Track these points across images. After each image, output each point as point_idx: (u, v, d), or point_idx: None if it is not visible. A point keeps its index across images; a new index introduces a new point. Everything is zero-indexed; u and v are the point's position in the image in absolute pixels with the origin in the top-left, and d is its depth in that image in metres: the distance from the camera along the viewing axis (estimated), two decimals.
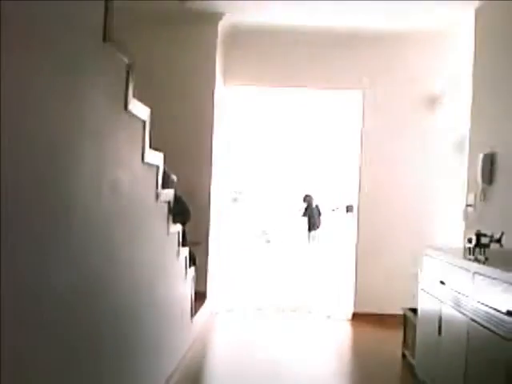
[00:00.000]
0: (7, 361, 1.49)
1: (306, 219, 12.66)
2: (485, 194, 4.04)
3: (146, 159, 2.87)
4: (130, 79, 2.50)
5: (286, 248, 12.20)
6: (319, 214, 12.60)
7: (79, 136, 2.01)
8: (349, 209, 7.26)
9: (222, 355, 4.51)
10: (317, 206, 12.61)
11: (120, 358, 2.56)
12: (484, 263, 2.81)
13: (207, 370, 4.21)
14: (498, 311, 2.46)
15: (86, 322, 2.12)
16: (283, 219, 13.49)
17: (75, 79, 1.94)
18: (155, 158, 3.04)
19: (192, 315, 4.36)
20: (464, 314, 2.85)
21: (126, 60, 2.45)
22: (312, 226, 12.60)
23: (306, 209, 12.70)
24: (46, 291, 1.75)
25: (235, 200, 11.72)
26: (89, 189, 2.12)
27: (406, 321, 4.23)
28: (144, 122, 2.84)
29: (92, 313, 2.19)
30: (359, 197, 5.74)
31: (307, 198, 12.74)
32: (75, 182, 2.00)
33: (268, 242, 11.87)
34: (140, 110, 2.73)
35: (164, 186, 3.30)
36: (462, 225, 4.59)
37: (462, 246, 3.98)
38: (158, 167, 3.12)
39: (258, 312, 5.98)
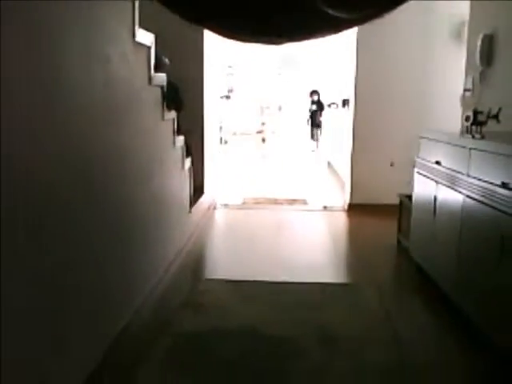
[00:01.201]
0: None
1: (309, 116, 12.17)
2: (483, 77, 3.97)
3: (137, 38, 2.77)
4: None
5: (286, 144, 12.21)
6: (322, 109, 11.89)
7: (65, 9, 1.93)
8: (345, 103, 7.18)
9: (220, 245, 4.60)
10: (320, 101, 11.93)
11: (121, 246, 2.61)
12: (480, 139, 2.80)
13: (206, 257, 4.31)
14: (493, 184, 2.48)
15: (85, 215, 2.14)
16: (282, 115, 13.25)
17: None
18: (146, 37, 2.94)
19: (190, 206, 4.40)
20: (459, 192, 2.87)
21: None
22: (315, 123, 12.06)
23: (314, 103, 12.05)
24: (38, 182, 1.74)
25: (228, 97, 11.51)
26: (77, 63, 2.06)
27: (402, 207, 4.28)
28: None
29: (90, 205, 2.20)
30: (356, 89, 5.63)
31: (314, 94, 12.06)
32: (63, 55, 1.94)
33: (263, 141, 11.77)
34: None
35: (156, 70, 3.22)
36: (459, 112, 4.54)
37: (459, 129, 3.96)
38: (149, 48, 3.02)
39: (256, 205, 6.06)
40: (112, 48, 2.43)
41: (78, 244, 2.08)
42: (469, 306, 2.76)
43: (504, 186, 2.38)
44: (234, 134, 10.73)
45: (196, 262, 4.04)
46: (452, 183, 2.99)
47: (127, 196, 2.69)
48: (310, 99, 12.07)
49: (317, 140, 11.98)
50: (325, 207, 5.94)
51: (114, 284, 2.51)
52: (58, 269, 1.89)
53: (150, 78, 3.09)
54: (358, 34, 5.44)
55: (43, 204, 1.78)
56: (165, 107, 3.44)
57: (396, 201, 4.44)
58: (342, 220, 5.54)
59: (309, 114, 12.12)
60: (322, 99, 11.88)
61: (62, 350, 1.94)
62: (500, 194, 2.41)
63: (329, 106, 10.62)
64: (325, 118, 11.59)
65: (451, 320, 2.92)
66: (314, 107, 11.84)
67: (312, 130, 12.06)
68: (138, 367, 2.35)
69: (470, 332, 2.71)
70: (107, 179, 2.41)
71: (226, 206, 5.94)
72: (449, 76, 5.19)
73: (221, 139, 6.83)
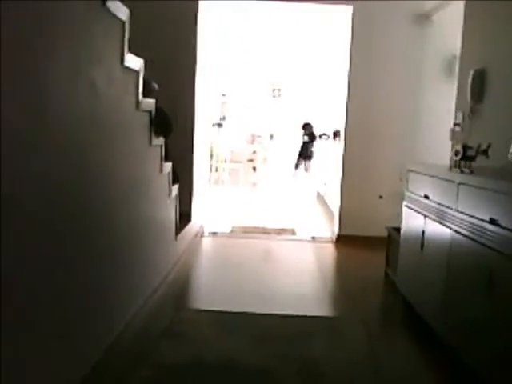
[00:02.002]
0: None
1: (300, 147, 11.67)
2: (473, 112, 3.97)
3: (126, 63, 2.75)
4: None
5: (275, 174, 12.16)
6: (314, 139, 11.49)
7: (53, 32, 1.91)
8: (336, 134, 7.20)
9: (206, 274, 4.51)
10: (312, 133, 11.49)
11: (102, 271, 2.54)
12: (469, 174, 2.78)
13: (190, 286, 4.23)
14: (482, 220, 2.45)
15: (66, 237, 2.08)
16: (272, 143, 13.18)
17: None
18: (135, 62, 2.92)
19: (176, 233, 4.33)
20: (447, 227, 2.84)
21: None
22: (306, 154, 11.58)
23: (306, 134, 11.52)
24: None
25: (220, 125, 11.49)
26: (64, 87, 2.03)
27: (390, 240, 4.24)
28: (123, 23, 2.70)
29: (72, 227, 2.14)
30: (347, 122, 5.64)
31: (306, 127, 11.58)
32: (49, 79, 1.90)
33: (254, 170, 11.72)
34: (119, 8, 2.59)
35: (145, 95, 3.19)
36: (449, 146, 4.54)
37: (447, 163, 3.95)
38: (138, 73, 2.99)
39: (244, 235, 6.00)
40: (100, 72, 2.40)
41: (55, 267, 2.01)
42: (455, 342, 2.70)
43: (492, 222, 2.35)
44: (225, 161, 10.70)
45: (180, 290, 3.95)
46: (440, 218, 2.96)
47: (110, 221, 2.64)
48: (302, 131, 11.79)
49: (307, 170, 11.77)
50: (313, 238, 5.89)
51: (93, 310, 2.43)
52: (30, 294, 1.82)
53: (137, 103, 3.06)
54: (350, 66, 5.47)
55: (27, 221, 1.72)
56: (153, 133, 3.40)
57: (384, 233, 4.41)
58: (330, 251, 5.48)
59: (301, 144, 11.85)
60: (314, 131, 11.69)
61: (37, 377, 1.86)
62: (488, 230, 2.37)
63: (320, 136, 10.66)
64: (316, 148, 11.54)
65: (437, 356, 2.85)
66: (306, 138, 11.60)
67: (298, 160, 11.73)
68: None
69: (456, 368, 2.64)
70: (90, 204, 2.35)
71: (213, 234, 5.87)
72: (439, 111, 5.21)
73: (211, 167, 6.79)
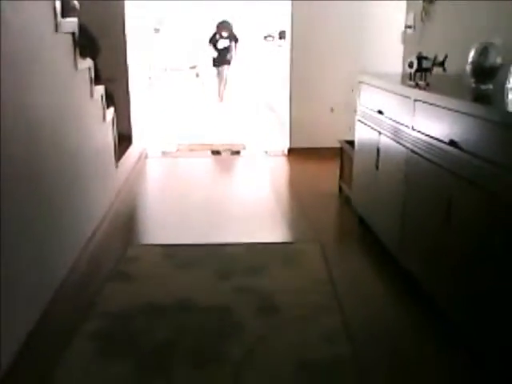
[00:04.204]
0: None
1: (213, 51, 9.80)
2: (426, 13, 3.72)
3: None
4: None
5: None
6: (236, 42, 9.80)
7: None
8: (281, 35, 6.80)
9: (152, 203, 4.29)
10: (233, 35, 9.78)
11: (35, 213, 2.30)
12: (425, 89, 2.59)
13: (137, 217, 4.02)
14: (441, 141, 2.28)
15: None
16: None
17: None
18: None
19: (116, 160, 4.05)
20: (403, 146, 2.68)
21: None
22: (225, 60, 9.85)
23: (213, 37, 9.71)
24: None
25: (157, 31, 10.67)
26: None
27: (343, 154, 4.09)
28: None
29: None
30: (292, 22, 5.28)
31: (225, 27, 9.68)
32: None
33: (197, 76, 11.16)
34: None
35: (64, 15, 2.80)
36: (400, 50, 4.31)
37: (400, 72, 3.74)
38: None
39: (191, 153, 5.74)
40: None
41: None
42: (412, 264, 2.64)
43: (452, 144, 2.19)
44: (165, 70, 10.10)
45: (125, 224, 3.71)
46: (396, 136, 2.79)
47: (38, 157, 2.37)
48: (217, 33, 9.73)
49: (223, 83, 9.98)
50: (265, 152, 5.70)
51: (27, 259, 2.21)
52: None
53: (56, 25, 2.68)
54: None
55: None
56: (78, 55, 3.03)
57: (337, 144, 4.24)
58: (282, 165, 5.31)
59: (214, 51, 9.81)
60: (235, 31, 9.84)
61: None
62: (448, 152, 2.22)
63: (265, 38, 10.15)
64: (253, 53, 10.23)
65: (394, 278, 2.80)
66: (226, 43, 9.70)
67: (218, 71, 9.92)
68: (60, 359, 2.10)
69: (412, 291, 2.59)
70: (16, 144, 2.08)
71: (157, 155, 5.59)
72: (389, 12, 4.90)
73: (149, 78, 6.34)
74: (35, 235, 2.33)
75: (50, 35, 2.63)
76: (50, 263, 2.52)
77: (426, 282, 2.49)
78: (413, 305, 2.55)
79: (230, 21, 9.76)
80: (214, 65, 9.90)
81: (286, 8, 5.37)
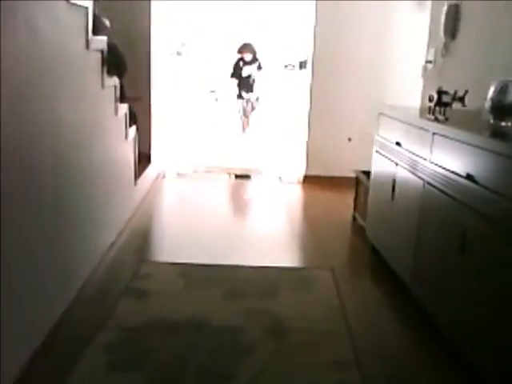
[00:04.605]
0: None
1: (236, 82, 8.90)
2: (447, 49, 3.79)
3: None
4: None
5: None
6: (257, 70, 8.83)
7: None
8: (302, 65, 6.90)
9: (167, 218, 4.36)
10: (254, 59, 8.79)
11: (54, 225, 2.35)
12: (444, 123, 2.63)
13: (154, 235, 4.07)
14: (457, 174, 2.32)
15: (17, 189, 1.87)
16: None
17: None
18: None
19: (135, 178, 4.12)
20: (420, 178, 2.72)
21: None
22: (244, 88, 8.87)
23: (236, 66, 8.81)
24: None
25: (179, 54, 10.81)
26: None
27: (358, 183, 4.13)
28: None
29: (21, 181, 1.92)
30: (314, 52, 5.37)
31: (248, 49, 8.72)
32: None
33: (216, 100, 11.27)
34: None
35: (95, 33, 2.90)
36: (420, 84, 4.38)
37: (419, 105, 3.80)
38: (87, 9, 2.69)
39: (208, 175, 5.81)
40: (38, 11, 2.10)
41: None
42: (424, 296, 2.65)
43: (469, 177, 2.22)
44: (185, 92, 10.24)
45: (141, 241, 3.76)
46: (413, 167, 2.83)
47: (61, 171, 2.43)
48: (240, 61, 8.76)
49: (246, 115, 9.11)
50: (280, 178, 5.74)
51: (44, 270, 2.25)
52: None
53: (87, 42, 2.77)
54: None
55: None
56: (105, 73, 3.12)
57: (352, 174, 4.28)
58: (297, 193, 5.35)
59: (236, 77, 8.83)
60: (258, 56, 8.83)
61: None
62: (464, 185, 2.25)
63: (285, 67, 10.27)
64: (273, 81, 9.55)
65: (406, 308, 2.81)
66: (250, 70, 8.72)
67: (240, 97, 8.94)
68: (72, 368, 2.12)
69: (424, 322, 2.60)
70: (37, 155, 2.14)
71: (174, 175, 5.66)
72: (410, 46, 4.98)
73: (170, 100, 6.45)
74: (62, 244, 2.39)
75: (81, 51, 2.72)
76: (70, 272, 2.57)
77: (438, 313, 2.50)
78: (423, 334, 2.56)
79: (252, 43, 8.78)
80: (239, 96, 8.87)
81: (308, 38, 5.46)
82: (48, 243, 2.28)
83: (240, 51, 8.71)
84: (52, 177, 2.31)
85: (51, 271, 2.33)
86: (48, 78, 2.23)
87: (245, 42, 8.86)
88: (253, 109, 9.22)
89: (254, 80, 8.84)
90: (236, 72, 8.76)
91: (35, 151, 2.10)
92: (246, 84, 8.79)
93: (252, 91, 8.94)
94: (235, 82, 8.85)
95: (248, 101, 8.99)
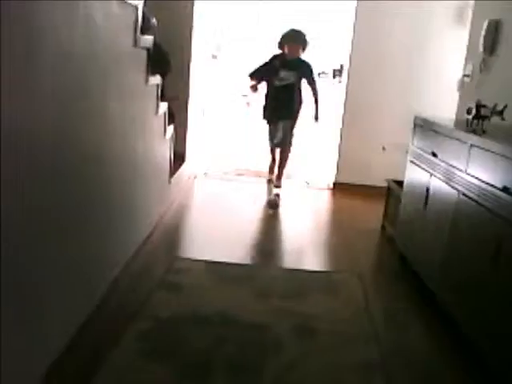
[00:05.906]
0: None
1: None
2: (485, 65, 3.80)
3: None
4: None
5: None
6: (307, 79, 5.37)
7: None
8: (335, 73, 6.92)
9: (198, 216, 4.43)
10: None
11: (96, 220, 2.43)
12: (482, 136, 2.66)
13: (186, 232, 4.15)
14: (494, 186, 2.34)
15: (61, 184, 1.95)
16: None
17: None
18: None
19: (170, 176, 4.20)
20: (455, 188, 2.74)
21: None
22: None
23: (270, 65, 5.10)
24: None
25: (214, 57, 10.94)
26: (59, 23, 1.84)
27: (390, 192, 4.16)
28: None
29: (67, 164, 2.00)
30: (351, 60, 5.42)
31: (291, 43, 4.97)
32: (46, 16, 1.72)
33: (248, 105, 11.35)
34: None
35: (142, 31, 2.99)
36: (454, 97, 4.40)
37: (454, 117, 3.82)
38: (136, 8, 2.78)
39: (238, 177, 5.88)
40: (97, 6, 2.20)
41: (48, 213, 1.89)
42: (452, 305, 2.67)
43: (505, 190, 2.25)
44: (219, 95, 10.34)
45: (175, 237, 3.86)
46: (448, 178, 2.86)
47: (104, 161, 2.50)
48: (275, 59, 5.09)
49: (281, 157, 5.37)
50: (307, 183, 5.78)
51: (87, 258, 2.34)
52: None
53: (135, 40, 2.86)
54: (358, 7, 5.21)
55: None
56: (149, 72, 3.21)
57: (382, 183, 4.31)
58: (326, 199, 5.39)
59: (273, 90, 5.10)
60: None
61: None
62: (500, 197, 2.28)
63: (319, 74, 10.29)
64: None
65: (433, 316, 2.83)
66: (290, 76, 5.02)
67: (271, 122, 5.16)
68: (109, 351, 2.21)
69: (451, 331, 2.62)
70: (83, 143, 2.21)
71: (206, 176, 5.75)
72: (448, 59, 4.99)
73: (205, 102, 6.55)
74: (101, 232, 2.48)
75: (129, 48, 2.80)
76: (107, 260, 2.65)
77: (466, 323, 2.51)
78: (450, 343, 2.58)
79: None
80: (267, 117, 5.15)
81: (345, 46, 5.51)
82: (92, 234, 2.36)
83: (283, 45, 4.99)
84: (95, 167, 2.38)
85: (94, 257, 2.41)
86: (98, 73, 2.31)
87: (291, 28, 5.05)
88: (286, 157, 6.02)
89: (296, 96, 5.12)
90: (270, 68, 5.07)
91: (81, 143, 2.18)
92: (281, 101, 5.01)
93: (291, 118, 5.09)
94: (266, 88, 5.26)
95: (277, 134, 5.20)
